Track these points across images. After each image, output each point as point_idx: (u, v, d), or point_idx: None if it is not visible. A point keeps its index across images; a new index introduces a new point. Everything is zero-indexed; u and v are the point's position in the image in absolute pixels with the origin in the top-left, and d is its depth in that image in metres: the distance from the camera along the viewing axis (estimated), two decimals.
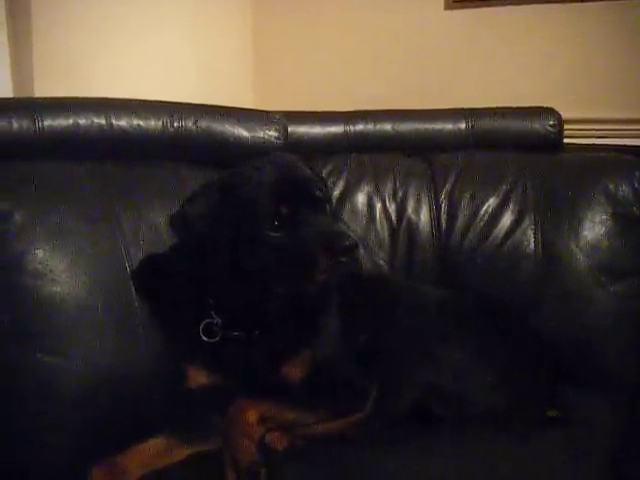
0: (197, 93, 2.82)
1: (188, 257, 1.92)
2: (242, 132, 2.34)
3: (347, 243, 1.76)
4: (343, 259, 1.75)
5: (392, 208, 2.56)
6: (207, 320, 1.91)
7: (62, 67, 2.62)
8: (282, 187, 1.84)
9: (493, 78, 3.09)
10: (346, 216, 2.53)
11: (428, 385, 1.92)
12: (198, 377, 1.92)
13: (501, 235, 2.49)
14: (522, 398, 1.97)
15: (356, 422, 1.85)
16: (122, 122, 2.18)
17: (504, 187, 2.54)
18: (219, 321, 1.91)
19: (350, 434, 1.83)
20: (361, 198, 2.56)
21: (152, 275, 2.05)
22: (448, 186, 2.56)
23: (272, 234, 1.80)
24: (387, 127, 2.70)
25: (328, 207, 1.92)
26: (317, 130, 2.65)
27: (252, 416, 1.72)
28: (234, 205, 1.84)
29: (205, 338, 1.91)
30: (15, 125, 2.01)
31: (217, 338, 1.90)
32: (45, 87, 2.56)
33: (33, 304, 1.87)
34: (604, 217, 2.44)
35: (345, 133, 2.68)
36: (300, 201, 1.83)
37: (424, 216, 2.54)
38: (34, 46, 2.55)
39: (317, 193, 1.87)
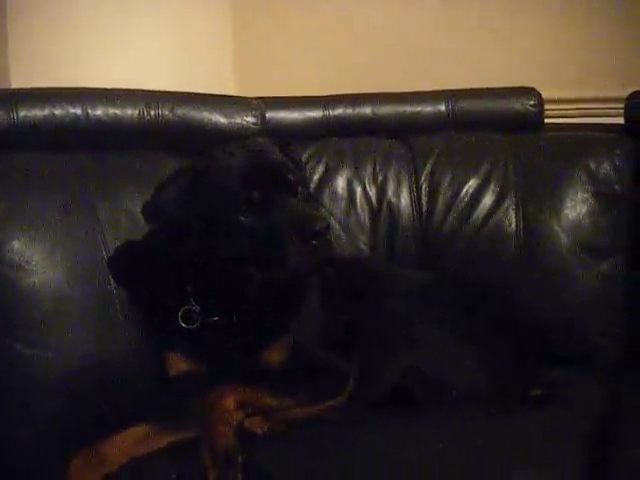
0: (176, 81, 2.82)
1: (163, 244, 1.92)
2: (219, 118, 2.34)
3: (317, 226, 1.75)
4: (314, 242, 1.74)
5: (372, 192, 2.55)
6: (186, 307, 1.91)
7: (38, 55, 2.61)
8: (253, 172, 1.84)
9: (473, 58, 3.07)
10: (326, 201, 2.53)
11: (408, 369, 1.92)
12: (178, 364, 1.92)
13: (482, 216, 2.49)
14: (504, 379, 1.97)
15: (336, 406, 1.85)
16: (98, 111, 2.17)
17: (484, 168, 2.53)
18: (197, 308, 1.91)
19: (330, 418, 1.82)
20: (341, 182, 2.55)
21: (129, 262, 2.05)
22: (428, 168, 2.55)
23: (243, 219, 1.80)
24: (366, 110, 2.69)
25: (302, 191, 1.91)
26: (296, 115, 2.65)
27: (230, 402, 1.71)
28: (205, 191, 1.83)
29: (184, 325, 1.91)
30: None
31: (196, 325, 1.90)
32: (21, 77, 2.54)
33: (11, 295, 1.87)
34: (585, 196, 2.44)
35: (324, 117, 2.67)
36: (271, 186, 1.83)
37: (405, 199, 2.54)
38: (9, 35, 2.53)
39: (289, 177, 1.87)
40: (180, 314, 1.91)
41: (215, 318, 1.91)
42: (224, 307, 1.91)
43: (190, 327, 1.91)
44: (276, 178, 1.86)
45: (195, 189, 1.84)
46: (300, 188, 1.90)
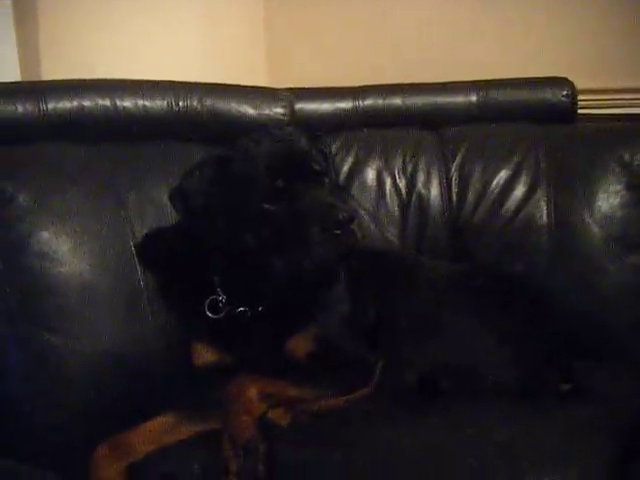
0: (208, 72, 2.82)
1: (190, 232, 1.93)
2: (248, 110, 2.34)
3: (340, 215, 1.75)
4: (337, 231, 1.74)
5: (402, 183, 2.54)
6: (212, 297, 1.92)
7: (69, 47, 2.62)
8: (278, 160, 1.85)
9: (505, 49, 3.03)
10: (355, 192, 2.52)
11: (436, 360, 1.90)
12: (204, 355, 1.93)
13: (513, 208, 2.47)
14: (534, 372, 1.94)
15: (361, 398, 1.85)
16: (127, 103, 2.18)
17: (516, 159, 2.51)
18: (224, 297, 1.91)
19: (355, 409, 1.82)
20: (370, 174, 2.54)
21: (157, 249, 2.06)
22: (458, 159, 2.54)
23: (267, 207, 1.80)
24: (397, 101, 2.68)
25: (329, 181, 1.91)
26: (326, 106, 2.64)
27: (253, 393, 1.71)
28: (230, 179, 1.85)
29: (210, 314, 1.92)
30: (20, 109, 2.03)
31: (222, 314, 1.91)
32: (52, 68, 2.56)
33: (39, 285, 1.89)
34: (619, 187, 2.40)
35: (354, 108, 2.66)
36: (297, 174, 1.83)
37: (434, 190, 2.53)
38: (40, 26, 2.55)
39: (315, 167, 1.87)
40: (206, 304, 1.92)
41: (241, 309, 1.91)
42: (250, 297, 1.91)
43: (216, 317, 1.91)
44: (301, 167, 1.86)
45: (220, 176, 1.86)
46: (326, 179, 1.90)
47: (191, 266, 1.98)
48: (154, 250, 2.05)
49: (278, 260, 1.83)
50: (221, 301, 1.92)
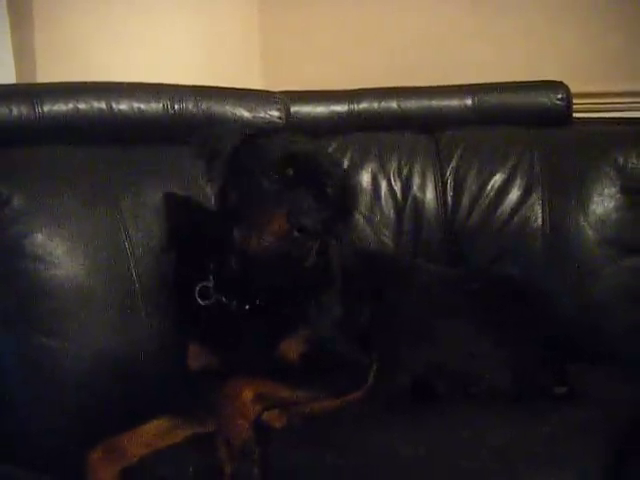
0: (203, 75, 2.82)
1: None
2: (243, 113, 2.33)
3: (308, 223, 1.74)
4: (296, 234, 1.74)
5: (397, 186, 2.55)
6: (202, 283, 1.94)
7: (65, 50, 2.62)
8: (300, 156, 1.88)
9: (500, 52, 3.04)
10: None
11: (430, 363, 1.91)
12: (199, 356, 1.93)
13: (508, 211, 2.48)
14: (529, 375, 1.95)
15: (355, 400, 1.85)
16: (122, 106, 2.17)
17: (510, 162, 2.52)
18: (212, 284, 1.93)
19: (349, 412, 1.82)
20: (366, 177, 2.56)
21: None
22: (454, 163, 2.55)
23: (266, 184, 1.83)
24: (392, 105, 2.68)
25: (332, 188, 1.92)
26: (321, 109, 2.64)
27: (247, 395, 1.72)
28: (251, 149, 1.90)
29: (200, 301, 1.93)
30: (15, 111, 2.01)
31: (211, 300, 1.92)
32: (48, 71, 2.56)
33: (33, 288, 1.89)
34: (613, 190, 2.42)
35: (350, 111, 2.66)
36: (309, 177, 1.86)
37: (430, 193, 2.54)
38: (36, 29, 2.55)
39: (327, 186, 1.89)
40: (197, 289, 1.94)
41: (227, 298, 1.92)
42: (238, 288, 1.92)
43: (205, 303, 1.93)
44: (317, 175, 1.89)
45: (244, 147, 1.92)
46: (330, 185, 1.91)
47: (190, 249, 2.03)
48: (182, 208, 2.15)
49: (237, 231, 1.85)
50: (211, 288, 1.93)
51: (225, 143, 1.93)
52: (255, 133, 1.98)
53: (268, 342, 1.89)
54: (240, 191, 1.88)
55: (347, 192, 2.02)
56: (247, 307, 1.91)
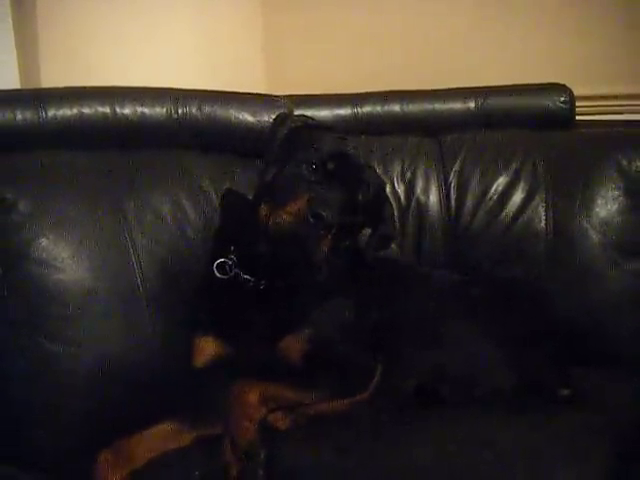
0: (206, 78, 2.83)
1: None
2: (247, 117, 2.34)
3: (325, 212, 1.79)
4: (311, 219, 1.79)
5: (401, 189, 2.55)
6: (221, 259, 2.00)
7: (68, 55, 2.62)
8: (345, 156, 1.98)
9: (503, 55, 3.04)
10: None
11: (436, 367, 1.91)
12: (205, 347, 1.94)
13: (511, 214, 2.48)
14: (534, 378, 1.95)
15: (360, 402, 1.85)
16: (126, 110, 2.18)
17: (514, 165, 2.52)
18: (234, 260, 1.99)
19: (354, 414, 1.82)
20: None
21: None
22: (457, 166, 2.55)
23: (304, 171, 1.92)
24: (396, 108, 2.69)
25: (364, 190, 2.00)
26: (325, 113, 2.63)
27: (253, 397, 1.72)
28: (305, 138, 2.00)
29: (218, 274, 1.99)
30: (19, 116, 2.03)
31: (230, 274, 1.98)
32: (51, 75, 2.56)
33: (38, 292, 1.90)
34: (617, 193, 2.41)
35: (353, 115, 2.67)
36: (345, 178, 1.95)
37: (433, 196, 2.53)
38: (39, 34, 2.56)
39: (360, 192, 1.98)
40: (215, 265, 1.99)
41: (246, 277, 1.97)
42: (257, 266, 1.97)
43: (224, 277, 1.99)
44: (356, 175, 1.99)
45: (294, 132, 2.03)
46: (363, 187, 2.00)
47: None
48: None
49: (260, 209, 1.92)
50: (230, 264, 1.98)
51: (283, 128, 2.03)
52: (314, 125, 2.09)
53: (271, 336, 1.91)
54: (279, 172, 1.95)
55: (379, 206, 2.09)
56: (262, 286, 1.95)
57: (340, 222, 1.88)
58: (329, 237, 1.85)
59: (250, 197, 2.20)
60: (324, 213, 1.79)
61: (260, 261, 1.94)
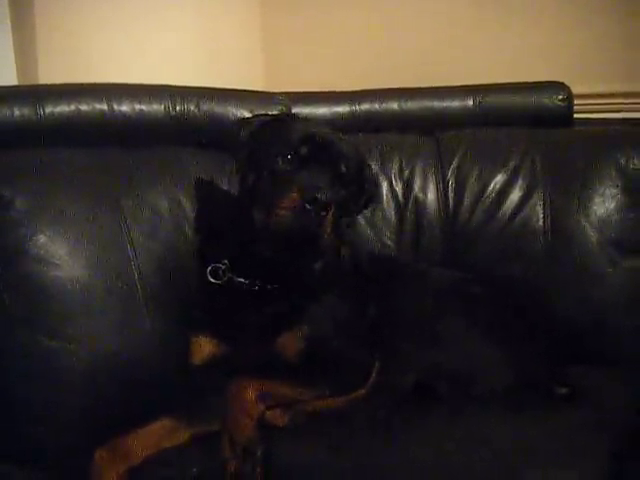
0: (204, 76, 2.82)
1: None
2: (245, 114, 2.33)
3: (319, 195, 1.79)
4: (308, 207, 1.78)
5: (399, 187, 2.54)
6: (214, 264, 1.99)
7: (66, 52, 2.62)
8: (315, 136, 1.95)
9: (501, 53, 3.05)
10: None
11: (433, 364, 1.91)
12: (202, 346, 1.94)
13: (509, 212, 2.47)
14: (531, 376, 1.95)
15: (358, 399, 1.85)
16: (124, 107, 2.18)
17: (512, 163, 2.51)
18: (226, 265, 1.98)
19: (352, 411, 1.82)
20: None
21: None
22: (455, 164, 2.54)
23: (281, 164, 1.90)
24: (394, 106, 2.68)
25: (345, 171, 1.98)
26: (323, 110, 2.63)
27: (251, 394, 1.73)
28: (269, 132, 1.99)
29: (211, 279, 1.98)
30: (17, 113, 2.03)
31: (224, 279, 1.97)
32: (49, 72, 2.56)
33: (36, 289, 1.90)
34: (615, 191, 2.40)
35: (351, 113, 2.67)
36: (323, 157, 1.93)
37: (431, 194, 2.53)
38: (37, 31, 2.56)
39: (342, 166, 1.96)
40: (209, 270, 1.99)
41: (240, 279, 1.96)
42: (250, 268, 1.97)
43: (217, 282, 1.98)
44: (329, 155, 1.95)
45: (267, 126, 2.03)
46: (343, 166, 1.97)
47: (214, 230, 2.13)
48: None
49: (256, 212, 1.90)
50: (223, 270, 1.97)
51: (245, 131, 2.02)
52: (274, 119, 2.07)
53: (267, 334, 1.91)
54: (257, 172, 1.94)
55: (364, 174, 2.09)
56: (256, 287, 1.95)
57: (335, 198, 1.87)
58: (329, 216, 1.84)
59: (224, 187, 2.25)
60: (318, 195, 1.79)
61: (257, 263, 1.94)
